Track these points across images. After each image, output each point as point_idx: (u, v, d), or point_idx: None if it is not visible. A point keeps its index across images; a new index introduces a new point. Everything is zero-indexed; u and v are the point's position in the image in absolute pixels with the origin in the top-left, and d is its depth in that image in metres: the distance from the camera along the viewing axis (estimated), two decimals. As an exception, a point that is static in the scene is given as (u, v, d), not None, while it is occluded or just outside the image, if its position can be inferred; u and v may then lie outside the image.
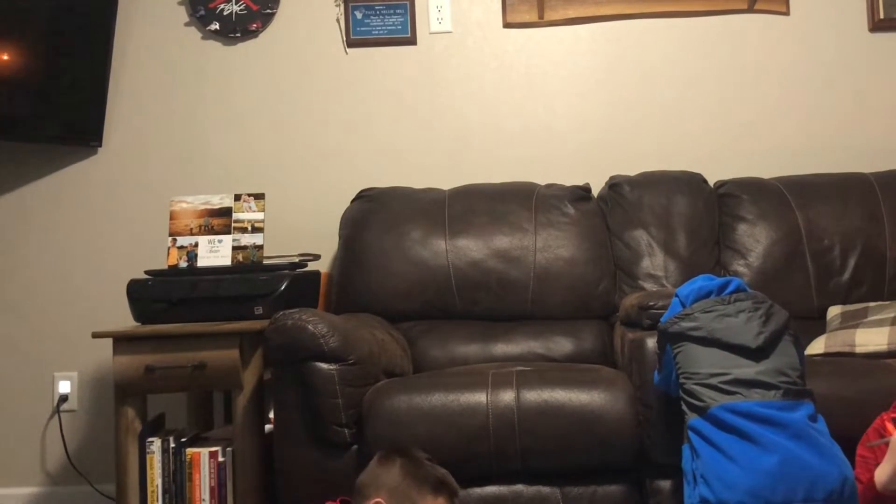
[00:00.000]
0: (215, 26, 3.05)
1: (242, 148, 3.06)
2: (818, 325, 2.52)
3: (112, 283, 2.84)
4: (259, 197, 2.60)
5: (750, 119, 3.04)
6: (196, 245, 2.56)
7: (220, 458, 2.25)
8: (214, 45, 3.08)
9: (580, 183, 2.86)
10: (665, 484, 2.03)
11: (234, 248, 2.55)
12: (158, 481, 2.25)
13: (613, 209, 2.79)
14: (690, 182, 2.81)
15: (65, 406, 2.97)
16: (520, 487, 2.05)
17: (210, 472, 2.24)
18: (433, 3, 3.07)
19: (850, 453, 1.81)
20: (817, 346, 2.37)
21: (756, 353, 1.78)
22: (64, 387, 2.98)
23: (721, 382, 1.76)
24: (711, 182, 2.85)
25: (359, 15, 3.07)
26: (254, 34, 3.07)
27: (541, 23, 3.07)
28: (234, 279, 2.42)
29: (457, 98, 3.07)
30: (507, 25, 3.08)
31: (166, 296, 2.40)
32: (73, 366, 2.99)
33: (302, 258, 2.65)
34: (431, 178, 2.92)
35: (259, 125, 3.07)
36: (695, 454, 1.75)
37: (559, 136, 3.05)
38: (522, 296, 2.67)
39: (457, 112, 3.07)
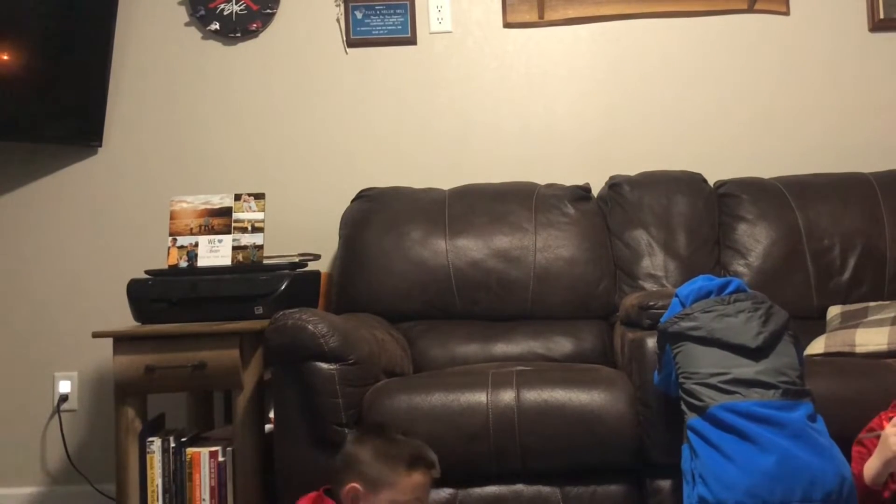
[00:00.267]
0: (215, 26, 3.05)
1: (242, 148, 3.06)
2: (818, 325, 2.52)
3: (112, 283, 2.83)
4: (259, 197, 2.60)
5: (750, 119, 3.04)
6: (196, 245, 2.57)
7: (221, 458, 2.25)
8: (214, 45, 3.08)
9: (580, 183, 2.86)
10: (665, 484, 2.03)
11: (235, 248, 2.56)
12: (158, 481, 2.26)
13: (613, 209, 2.79)
14: (690, 182, 2.81)
15: (65, 406, 2.97)
16: (520, 487, 2.05)
17: (210, 472, 2.25)
18: (433, 3, 3.07)
19: (850, 453, 1.81)
20: (817, 346, 2.37)
21: (755, 353, 1.78)
22: (64, 386, 2.98)
23: (720, 382, 1.76)
24: (711, 182, 2.85)
25: (359, 15, 3.07)
26: (254, 34, 3.07)
27: (541, 23, 3.07)
28: (234, 279, 2.42)
29: (457, 98, 3.07)
30: (507, 25, 3.08)
31: (166, 296, 2.41)
32: (73, 366, 2.99)
33: (302, 258, 2.65)
34: (431, 178, 2.92)
35: (259, 125, 3.07)
36: (694, 454, 1.75)
37: (559, 135, 3.05)
38: (522, 296, 2.67)
39: (457, 112, 3.07)
